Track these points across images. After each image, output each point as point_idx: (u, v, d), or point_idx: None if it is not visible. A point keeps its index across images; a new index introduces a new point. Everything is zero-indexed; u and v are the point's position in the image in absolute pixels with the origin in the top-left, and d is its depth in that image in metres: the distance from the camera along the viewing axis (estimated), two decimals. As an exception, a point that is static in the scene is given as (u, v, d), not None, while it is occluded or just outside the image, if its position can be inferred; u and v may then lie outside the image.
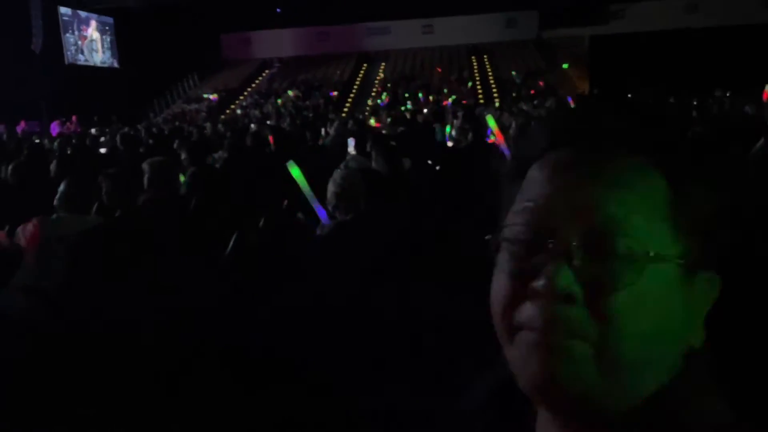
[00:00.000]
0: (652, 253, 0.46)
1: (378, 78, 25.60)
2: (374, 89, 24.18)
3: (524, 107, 12.29)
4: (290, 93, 23.79)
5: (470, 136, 5.69)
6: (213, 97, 24.46)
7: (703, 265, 0.49)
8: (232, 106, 23.77)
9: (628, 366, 0.46)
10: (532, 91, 20.13)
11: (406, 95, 20.74)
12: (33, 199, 3.85)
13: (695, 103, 10.60)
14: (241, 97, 24.96)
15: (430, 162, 4.96)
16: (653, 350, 0.47)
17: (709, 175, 0.50)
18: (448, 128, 7.41)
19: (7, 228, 3.19)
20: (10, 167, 4.39)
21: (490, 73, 24.03)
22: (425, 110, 12.61)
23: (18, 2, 17.57)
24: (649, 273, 0.46)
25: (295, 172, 3.21)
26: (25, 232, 2.88)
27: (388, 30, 27.70)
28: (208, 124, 12.96)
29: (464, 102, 16.42)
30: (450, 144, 6.58)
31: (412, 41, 27.22)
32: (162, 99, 24.57)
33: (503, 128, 5.54)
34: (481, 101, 18.97)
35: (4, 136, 11.70)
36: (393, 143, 4.75)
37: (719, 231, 0.49)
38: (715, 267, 0.50)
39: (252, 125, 10.83)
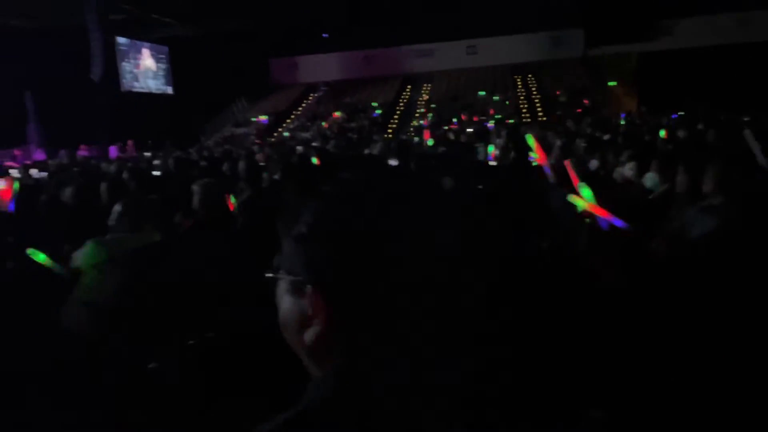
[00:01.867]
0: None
1: (422, 99, 25.81)
2: (418, 110, 24.38)
3: (569, 126, 12.18)
4: (335, 115, 24.22)
5: (512, 155, 5.69)
6: (261, 119, 25.12)
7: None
8: (280, 129, 24.34)
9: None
10: (578, 110, 19.92)
11: (450, 116, 20.84)
12: (89, 221, 4.07)
13: (747, 119, 10.30)
14: (288, 120, 25.54)
15: (472, 182, 4.99)
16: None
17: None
18: (490, 147, 7.42)
19: (66, 248, 3.38)
20: (69, 190, 4.64)
21: (534, 92, 23.92)
22: (468, 130, 12.64)
23: (78, 34, 18.53)
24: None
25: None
26: (80, 254, 3.02)
27: (432, 52, 27.98)
28: (256, 147, 13.32)
29: (507, 121, 16.39)
30: (492, 163, 6.58)
31: (456, 62, 27.39)
32: (213, 123, 25.39)
33: (547, 147, 5.52)
34: (526, 120, 18.90)
35: (65, 161, 12.29)
36: (434, 162, 4.81)
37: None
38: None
39: (298, 147, 11.07)
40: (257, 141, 20.69)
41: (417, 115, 23.81)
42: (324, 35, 27.83)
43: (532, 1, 23.55)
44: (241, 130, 24.58)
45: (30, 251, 3.14)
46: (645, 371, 1.78)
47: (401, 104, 25.78)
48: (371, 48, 27.75)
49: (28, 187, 5.48)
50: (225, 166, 7.53)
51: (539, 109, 21.96)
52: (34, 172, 9.60)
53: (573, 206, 2.49)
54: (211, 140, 23.32)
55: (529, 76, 25.27)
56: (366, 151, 8.86)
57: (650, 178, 4.54)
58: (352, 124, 22.40)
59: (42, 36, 18.96)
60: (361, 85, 27.64)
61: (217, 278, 3.07)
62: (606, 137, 8.79)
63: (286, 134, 23.10)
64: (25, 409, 2.26)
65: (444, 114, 21.45)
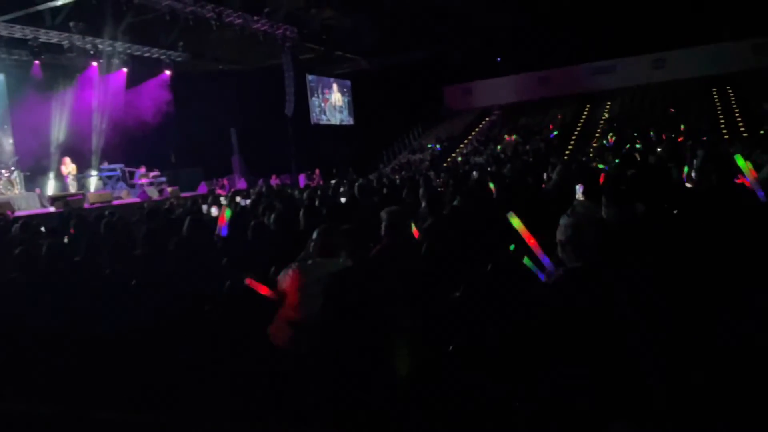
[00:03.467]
0: None
1: (603, 118, 24.57)
2: (598, 130, 23.25)
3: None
4: (510, 137, 23.96)
5: (714, 177, 5.18)
6: (436, 146, 25.70)
7: None
8: (453, 154, 24.67)
9: None
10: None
11: (635, 134, 19.53)
12: (290, 245, 4.46)
13: None
14: (462, 145, 25.80)
15: (666, 206, 4.63)
16: None
17: None
18: (686, 169, 6.85)
19: (273, 269, 3.74)
20: (272, 216, 5.13)
21: (734, 106, 21.58)
22: (658, 150, 11.75)
23: (274, 74, 20.56)
24: None
25: (515, 222, 3.26)
26: (285, 278, 3.32)
27: (614, 68, 26.61)
28: (431, 173, 13.64)
29: (704, 139, 14.95)
30: (689, 186, 6.06)
31: (640, 78, 25.73)
32: (390, 150, 26.52)
33: (757, 168, 4.96)
34: (725, 137, 17.09)
35: (264, 189, 13.62)
36: (624, 187, 4.55)
37: None
38: None
39: (474, 173, 11.12)
40: (431, 167, 21.17)
41: (597, 135, 22.70)
42: (498, 59, 27.83)
43: (729, 8, 21.40)
44: (416, 157, 25.36)
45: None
46: None
47: (579, 124, 24.78)
48: (547, 69, 27.15)
49: (235, 214, 6.16)
50: (404, 193, 7.83)
51: (740, 124, 19.75)
52: (239, 199, 10.77)
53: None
54: (388, 167, 24.36)
55: (727, 88, 22.89)
56: (544, 175, 8.64)
57: None
58: (527, 147, 21.99)
59: (244, 78, 21.34)
60: (537, 106, 27.09)
61: (407, 301, 3.19)
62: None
63: (459, 159, 23.35)
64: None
65: (628, 133, 20.18)
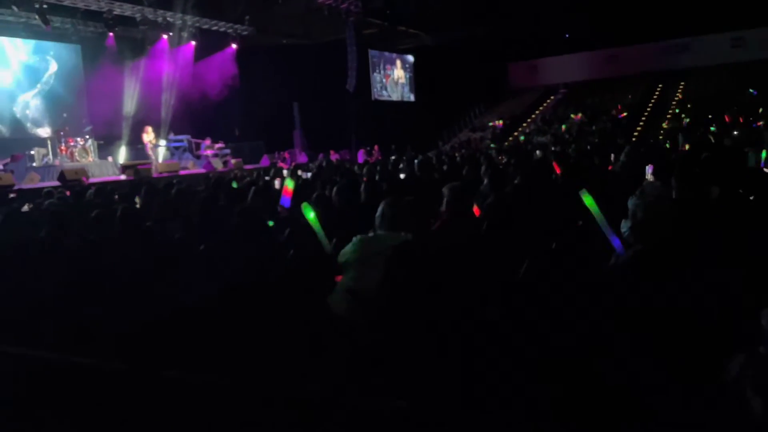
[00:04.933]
0: None
1: (675, 99, 23.51)
2: (670, 111, 22.27)
3: None
4: (574, 117, 23.28)
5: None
6: (498, 124, 25.26)
7: None
8: (515, 133, 24.20)
9: None
10: None
11: (710, 116, 18.62)
12: (350, 216, 4.52)
13: None
14: (524, 125, 25.26)
15: (741, 191, 4.42)
16: None
17: None
18: (764, 153, 6.50)
19: (334, 241, 3.80)
20: (334, 189, 5.19)
21: (822, 88, 20.23)
22: (735, 133, 11.18)
23: (337, 49, 20.62)
24: None
25: (588, 200, 3.19)
26: (347, 249, 3.36)
27: (688, 47, 25.34)
28: (493, 151, 13.45)
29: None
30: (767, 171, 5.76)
31: (717, 57, 24.39)
32: (450, 128, 26.24)
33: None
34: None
35: (324, 164, 13.77)
36: (697, 169, 4.36)
37: None
38: None
39: (537, 152, 10.89)
40: (492, 145, 20.87)
41: (669, 116, 21.76)
42: (566, 35, 26.95)
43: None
44: (477, 135, 25.02)
45: (304, 206, 3.62)
46: None
47: (650, 105, 23.80)
48: (617, 46, 26.11)
49: (298, 186, 6.27)
50: (465, 170, 7.76)
51: (828, 107, 18.51)
52: (300, 172, 10.94)
53: None
54: (447, 145, 24.14)
55: (815, 68, 21.45)
56: (611, 156, 8.38)
57: None
58: (593, 127, 21.32)
59: (307, 53, 21.50)
60: (605, 85, 26.17)
61: (462, 279, 3.19)
62: None
63: (521, 138, 22.90)
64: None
65: (702, 115, 19.26)
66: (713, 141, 9.35)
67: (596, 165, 7.35)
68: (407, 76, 28.02)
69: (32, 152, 15.04)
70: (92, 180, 13.24)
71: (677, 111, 21.81)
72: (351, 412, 2.10)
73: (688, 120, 18.90)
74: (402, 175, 8.51)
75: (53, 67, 17.49)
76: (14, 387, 2.67)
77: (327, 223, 4.20)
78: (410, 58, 27.82)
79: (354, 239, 3.27)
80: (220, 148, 17.97)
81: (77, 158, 15.37)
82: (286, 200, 5.18)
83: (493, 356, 2.55)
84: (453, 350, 2.68)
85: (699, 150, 6.97)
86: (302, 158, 19.65)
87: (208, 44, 19.11)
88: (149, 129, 16.44)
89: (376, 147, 20.97)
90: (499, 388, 2.29)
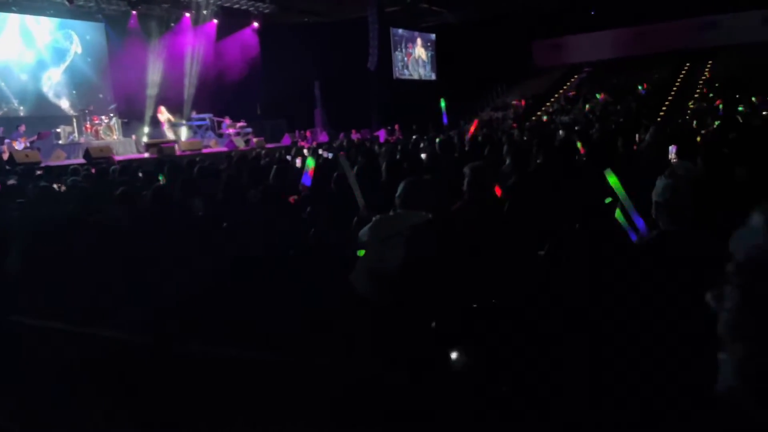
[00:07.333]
0: None
1: (703, 78, 22.97)
2: (697, 91, 21.78)
3: None
4: (598, 96, 22.89)
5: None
6: (520, 103, 24.94)
7: None
8: (538, 113, 23.89)
9: None
10: None
11: (737, 96, 18.17)
12: (371, 195, 4.52)
13: None
14: (548, 104, 24.91)
15: (770, 172, 4.33)
16: None
17: None
18: (795, 134, 6.35)
19: (355, 219, 3.82)
20: (355, 169, 5.19)
21: None
22: (764, 113, 10.92)
23: (358, 27, 20.45)
24: None
25: (613, 179, 3.15)
26: (368, 227, 3.38)
27: (717, 24, 24.64)
28: (515, 131, 13.29)
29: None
30: (798, 152, 5.61)
31: (747, 35, 23.65)
32: (471, 107, 25.95)
33: None
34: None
35: (345, 143, 13.76)
36: (725, 150, 4.28)
37: None
38: None
39: (560, 132, 10.75)
40: (514, 125, 20.63)
41: (696, 95, 21.29)
42: (592, 12, 26.38)
43: None
44: (498, 114, 24.74)
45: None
46: None
47: (677, 84, 23.29)
48: (644, 24, 25.49)
49: (319, 165, 6.28)
50: (486, 150, 7.69)
51: None
52: (321, 151, 10.95)
53: None
54: (468, 125, 23.91)
55: None
56: (636, 136, 8.24)
57: None
58: (618, 107, 20.95)
59: (329, 31, 21.36)
60: (631, 63, 25.63)
61: (485, 258, 3.18)
62: None
63: (544, 117, 22.60)
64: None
65: (730, 94, 18.80)
66: (741, 121, 9.13)
67: (621, 145, 7.23)
68: (429, 54, 27.72)
69: (58, 130, 15.26)
70: (116, 158, 13.41)
71: (704, 90, 21.33)
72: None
73: (716, 99, 18.47)
74: (423, 155, 8.47)
75: (77, 45, 17.64)
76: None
77: (348, 202, 4.22)
78: (432, 36, 27.50)
79: (374, 218, 3.28)
80: (242, 127, 18.05)
81: (102, 136, 15.57)
82: (307, 178, 5.21)
83: (518, 342, 2.56)
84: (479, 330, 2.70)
85: (727, 130, 6.83)
86: (323, 137, 19.66)
87: (230, 22, 19.10)
88: (163, 108, 16.57)
89: (396, 126, 20.86)
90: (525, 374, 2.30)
